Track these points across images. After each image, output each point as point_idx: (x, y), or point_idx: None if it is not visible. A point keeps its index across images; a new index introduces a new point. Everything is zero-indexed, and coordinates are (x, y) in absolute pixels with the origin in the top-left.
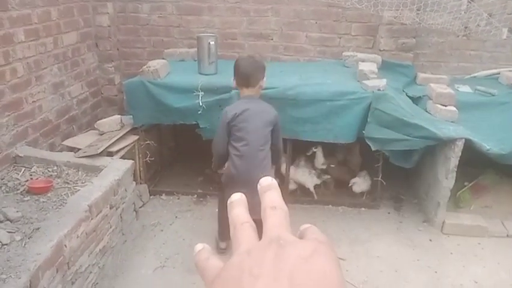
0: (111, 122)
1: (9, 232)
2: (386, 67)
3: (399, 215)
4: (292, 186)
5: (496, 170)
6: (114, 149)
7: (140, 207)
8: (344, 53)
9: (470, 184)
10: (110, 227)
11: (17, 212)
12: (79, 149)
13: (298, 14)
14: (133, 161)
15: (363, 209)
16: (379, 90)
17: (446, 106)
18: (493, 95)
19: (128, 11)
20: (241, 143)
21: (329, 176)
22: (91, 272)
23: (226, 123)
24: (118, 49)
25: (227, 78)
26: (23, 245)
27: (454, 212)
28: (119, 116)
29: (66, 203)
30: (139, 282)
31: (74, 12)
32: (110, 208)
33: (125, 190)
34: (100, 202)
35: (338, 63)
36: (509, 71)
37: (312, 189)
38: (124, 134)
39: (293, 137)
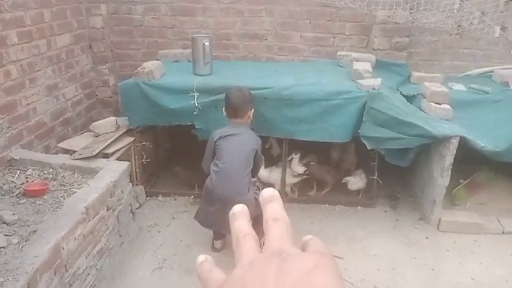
0: (106, 123)
1: (6, 235)
2: (380, 66)
3: (396, 213)
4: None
5: (491, 167)
6: (110, 150)
7: (137, 208)
8: (338, 53)
9: (466, 182)
10: (107, 229)
11: (14, 214)
12: (75, 151)
13: (292, 14)
14: (129, 163)
15: (359, 207)
16: (374, 89)
17: (440, 104)
18: (487, 93)
19: (121, 12)
20: (221, 161)
21: (305, 176)
22: (88, 274)
23: (213, 142)
24: (112, 50)
25: (222, 79)
26: (20, 247)
27: (449, 209)
28: (115, 117)
29: (62, 205)
30: (137, 284)
31: (67, 14)
32: (107, 210)
33: (122, 192)
34: (97, 204)
35: (332, 62)
36: (502, 68)
37: (287, 188)
38: (120, 136)
39: (288, 137)
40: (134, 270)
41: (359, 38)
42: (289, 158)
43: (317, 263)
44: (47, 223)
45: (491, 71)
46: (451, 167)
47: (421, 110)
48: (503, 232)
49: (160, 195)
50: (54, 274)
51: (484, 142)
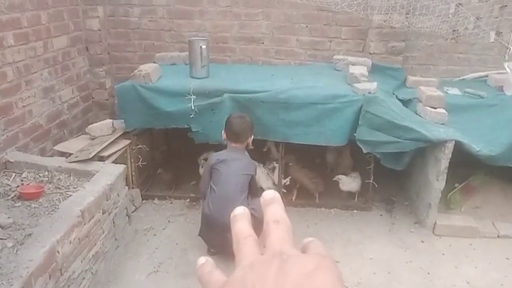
0: (102, 126)
1: (0, 239)
2: (376, 70)
3: (391, 216)
4: None
5: (486, 171)
6: (106, 153)
7: (133, 211)
8: (334, 57)
9: (461, 185)
10: (103, 232)
11: (8, 218)
12: (71, 154)
13: (288, 18)
14: (125, 166)
15: (355, 211)
16: (370, 93)
17: (435, 108)
18: (482, 97)
19: (118, 14)
20: (218, 186)
21: (287, 180)
22: (83, 278)
23: (210, 165)
24: (108, 53)
25: (219, 82)
26: (15, 251)
27: (445, 213)
28: (111, 120)
29: (58, 209)
30: (133, 287)
31: (64, 16)
32: (103, 213)
33: (118, 195)
34: (93, 207)
35: (328, 66)
36: (497, 73)
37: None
38: (116, 139)
39: (285, 140)
40: (129, 274)
41: (355, 42)
42: (270, 167)
43: (317, 265)
44: (43, 226)
45: (486, 76)
46: (446, 171)
47: (417, 114)
48: (498, 236)
49: (156, 199)
50: (49, 278)
51: (479, 146)
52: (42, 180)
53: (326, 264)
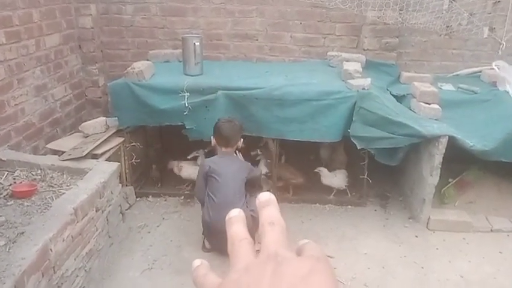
0: (96, 124)
1: None
2: (370, 66)
3: (386, 212)
4: None
5: (480, 166)
6: (99, 151)
7: (127, 209)
8: (328, 53)
9: (455, 180)
10: (97, 230)
11: (1, 216)
12: (63, 152)
13: (282, 15)
14: (118, 163)
15: (349, 206)
16: (364, 89)
17: (429, 104)
18: (475, 93)
19: (111, 12)
20: (216, 195)
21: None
22: (77, 276)
23: (204, 172)
24: (101, 51)
25: (213, 79)
26: (7, 249)
27: (438, 208)
28: (104, 118)
29: (51, 207)
30: (127, 284)
31: (57, 14)
32: (96, 211)
33: (111, 192)
34: (86, 205)
35: (322, 63)
36: (491, 69)
37: None
38: (109, 136)
39: (279, 137)
40: (123, 271)
41: (349, 38)
42: (257, 158)
43: (312, 267)
44: (35, 224)
45: (480, 71)
46: (440, 166)
47: (411, 109)
48: (491, 230)
49: (150, 196)
50: (42, 276)
51: (473, 141)
52: (35, 179)
53: (321, 267)
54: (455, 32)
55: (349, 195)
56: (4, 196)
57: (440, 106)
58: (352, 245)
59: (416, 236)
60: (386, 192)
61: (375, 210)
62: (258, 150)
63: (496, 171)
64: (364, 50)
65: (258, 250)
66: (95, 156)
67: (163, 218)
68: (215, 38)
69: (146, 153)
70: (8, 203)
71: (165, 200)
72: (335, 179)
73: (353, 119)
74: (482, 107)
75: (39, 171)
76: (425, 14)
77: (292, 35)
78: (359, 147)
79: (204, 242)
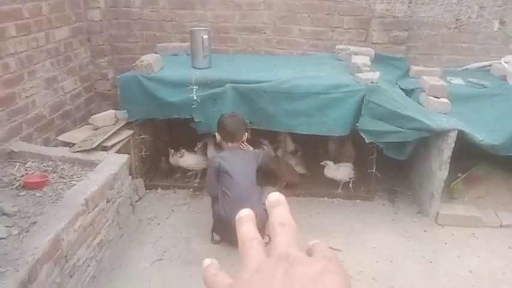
0: (105, 116)
1: (6, 226)
2: (378, 60)
3: (394, 206)
4: None
5: (489, 161)
6: (109, 143)
7: (137, 201)
8: (336, 46)
9: (464, 175)
10: (107, 221)
11: (14, 206)
12: (74, 144)
13: (290, 8)
14: (128, 155)
15: (358, 200)
16: (372, 82)
17: (438, 98)
18: (485, 87)
19: (120, 5)
20: (231, 191)
21: None
22: (88, 266)
23: (215, 168)
24: (110, 44)
25: (221, 72)
26: (21, 239)
27: (447, 203)
28: (114, 110)
29: (62, 197)
30: (137, 275)
31: (66, 7)
32: (107, 202)
33: (122, 184)
34: (97, 196)
35: (331, 56)
36: (500, 63)
37: None
38: (119, 129)
39: (288, 130)
40: (134, 262)
41: (358, 31)
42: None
43: (324, 268)
44: (47, 215)
45: (490, 65)
46: (449, 161)
47: (419, 103)
48: (500, 225)
49: (160, 188)
50: (55, 265)
51: (482, 136)
52: (46, 170)
53: (333, 267)
54: (464, 26)
55: (351, 188)
56: (16, 187)
57: (449, 100)
58: (360, 239)
59: (425, 231)
60: (395, 187)
61: (384, 205)
62: (263, 142)
63: (506, 166)
64: (373, 43)
65: (267, 243)
66: (105, 149)
67: (173, 210)
68: (223, 31)
69: (155, 146)
70: (21, 194)
71: (174, 192)
72: (337, 171)
73: (362, 112)
74: (491, 101)
75: (50, 163)
76: (435, 7)
77: (301, 28)
78: (367, 141)
79: (212, 234)
